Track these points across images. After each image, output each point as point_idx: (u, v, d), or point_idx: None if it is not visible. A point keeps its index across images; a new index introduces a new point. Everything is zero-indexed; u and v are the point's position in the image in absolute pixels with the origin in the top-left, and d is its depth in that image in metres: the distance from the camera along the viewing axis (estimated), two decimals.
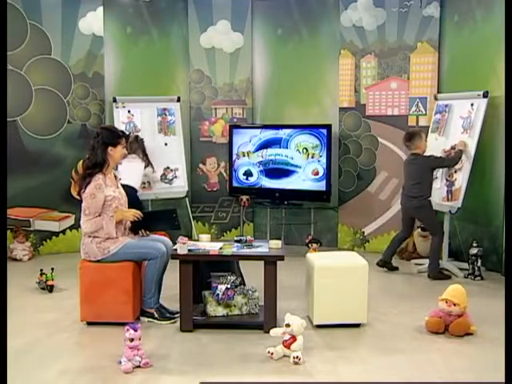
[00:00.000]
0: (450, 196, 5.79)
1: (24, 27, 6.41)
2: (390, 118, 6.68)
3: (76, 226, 6.70)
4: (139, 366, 3.52)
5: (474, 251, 5.59)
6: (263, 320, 4.12)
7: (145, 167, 6.08)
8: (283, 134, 6.69)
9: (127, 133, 4.59)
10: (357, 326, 4.24)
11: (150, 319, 4.34)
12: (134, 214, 4.31)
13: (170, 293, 4.64)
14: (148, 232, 4.47)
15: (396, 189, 6.67)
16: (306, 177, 6.63)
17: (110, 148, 4.27)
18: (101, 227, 4.19)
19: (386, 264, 5.87)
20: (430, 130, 6.28)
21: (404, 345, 3.95)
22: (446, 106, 6.09)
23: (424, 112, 6.52)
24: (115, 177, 4.47)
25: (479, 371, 3.54)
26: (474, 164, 5.64)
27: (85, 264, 4.28)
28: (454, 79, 6.35)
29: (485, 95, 5.66)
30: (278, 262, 4.14)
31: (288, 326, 3.64)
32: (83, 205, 4.22)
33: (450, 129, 6.01)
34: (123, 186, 4.61)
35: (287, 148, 6.68)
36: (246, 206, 6.92)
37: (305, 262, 4.52)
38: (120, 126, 6.31)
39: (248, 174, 6.91)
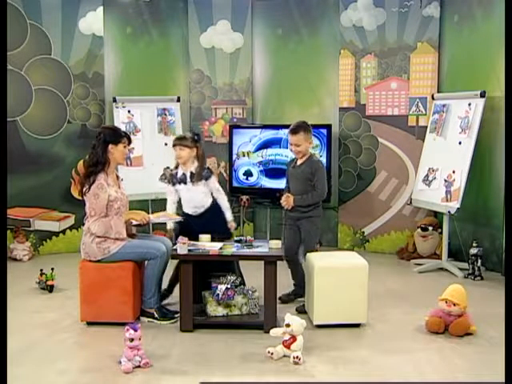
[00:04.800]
0: (448, 196, 5.78)
1: (24, 27, 6.40)
2: (390, 117, 6.67)
3: (76, 226, 6.71)
4: (139, 366, 3.52)
5: (473, 251, 5.59)
6: (263, 320, 4.12)
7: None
8: (283, 134, 6.68)
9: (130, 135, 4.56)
10: (357, 325, 4.24)
11: (150, 319, 4.34)
12: (143, 217, 4.33)
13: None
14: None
15: (396, 189, 6.67)
16: None
17: (110, 146, 4.26)
18: (109, 227, 4.18)
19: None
20: (428, 131, 6.29)
21: (404, 345, 3.95)
22: (444, 105, 6.09)
23: (424, 112, 6.52)
24: (117, 177, 4.47)
25: (479, 371, 3.55)
26: (472, 164, 5.64)
27: (85, 264, 4.28)
28: (453, 79, 6.35)
29: (482, 95, 5.66)
30: (278, 262, 4.14)
31: (288, 325, 3.64)
32: (87, 206, 4.21)
33: (448, 129, 6.01)
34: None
35: (287, 148, 6.66)
36: (246, 206, 6.90)
37: (305, 262, 4.51)
38: (120, 126, 6.27)
39: (248, 174, 6.90)
